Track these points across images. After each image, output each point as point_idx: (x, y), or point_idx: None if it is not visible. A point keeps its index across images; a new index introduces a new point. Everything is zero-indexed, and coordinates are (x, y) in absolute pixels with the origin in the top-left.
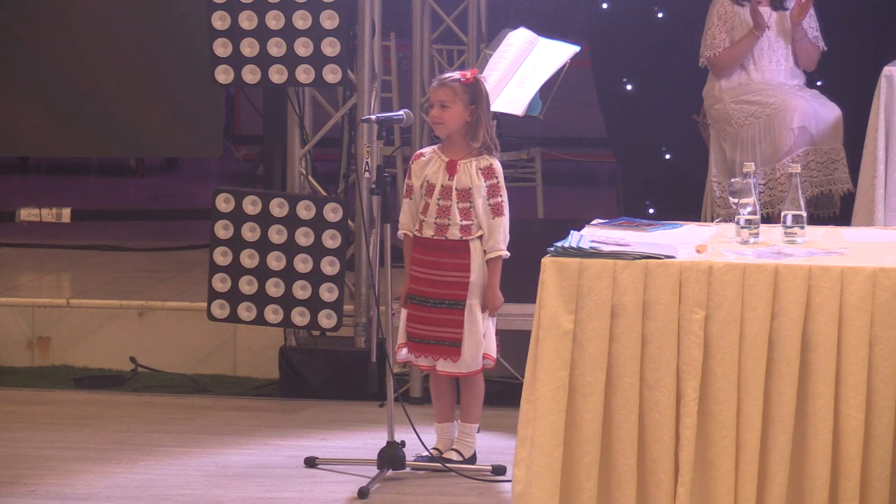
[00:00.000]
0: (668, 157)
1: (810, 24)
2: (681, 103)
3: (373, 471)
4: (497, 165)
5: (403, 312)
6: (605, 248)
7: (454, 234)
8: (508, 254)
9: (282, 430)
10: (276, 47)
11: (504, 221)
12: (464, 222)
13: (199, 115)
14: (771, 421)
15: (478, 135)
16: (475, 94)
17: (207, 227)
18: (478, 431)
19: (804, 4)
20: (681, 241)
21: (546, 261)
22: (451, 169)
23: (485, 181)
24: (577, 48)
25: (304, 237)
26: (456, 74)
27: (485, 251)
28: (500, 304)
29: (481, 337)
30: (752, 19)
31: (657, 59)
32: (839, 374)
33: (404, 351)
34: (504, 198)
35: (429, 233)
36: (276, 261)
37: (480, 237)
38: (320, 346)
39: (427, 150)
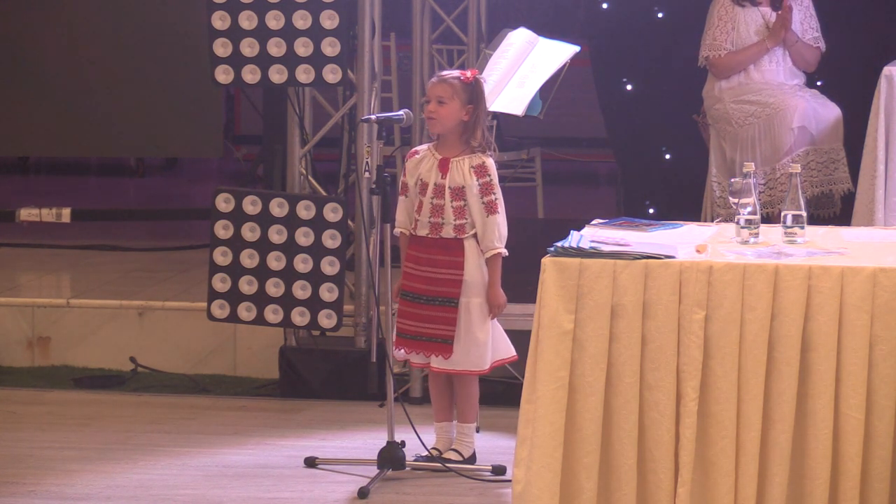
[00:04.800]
0: (668, 157)
1: (810, 24)
2: (681, 103)
3: (373, 471)
4: (490, 163)
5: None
6: (605, 248)
7: (448, 232)
8: (506, 252)
9: (282, 430)
10: (276, 47)
11: (498, 219)
12: (458, 221)
13: (199, 115)
14: (771, 421)
15: (475, 134)
16: (473, 94)
17: (207, 227)
18: (477, 431)
19: (783, 14)
20: (681, 241)
21: (546, 261)
22: (443, 167)
23: (477, 179)
24: (577, 48)
25: (304, 237)
26: (456, 72)
27: (482, 251)
28: (502, 303)
29: (477, 336)
30: (774, 30)
31: (657, 59)
32: (839, 374)
33: (402, 351)
34: (498, 196)
35: (423, 231)
36: (276, 261)
37: (475, 235)
38: (320, 346)
39: (421, 147)
